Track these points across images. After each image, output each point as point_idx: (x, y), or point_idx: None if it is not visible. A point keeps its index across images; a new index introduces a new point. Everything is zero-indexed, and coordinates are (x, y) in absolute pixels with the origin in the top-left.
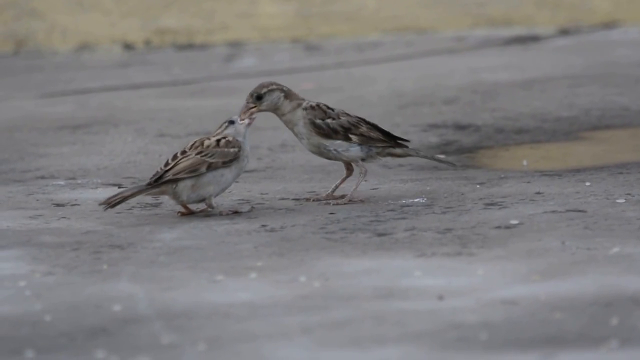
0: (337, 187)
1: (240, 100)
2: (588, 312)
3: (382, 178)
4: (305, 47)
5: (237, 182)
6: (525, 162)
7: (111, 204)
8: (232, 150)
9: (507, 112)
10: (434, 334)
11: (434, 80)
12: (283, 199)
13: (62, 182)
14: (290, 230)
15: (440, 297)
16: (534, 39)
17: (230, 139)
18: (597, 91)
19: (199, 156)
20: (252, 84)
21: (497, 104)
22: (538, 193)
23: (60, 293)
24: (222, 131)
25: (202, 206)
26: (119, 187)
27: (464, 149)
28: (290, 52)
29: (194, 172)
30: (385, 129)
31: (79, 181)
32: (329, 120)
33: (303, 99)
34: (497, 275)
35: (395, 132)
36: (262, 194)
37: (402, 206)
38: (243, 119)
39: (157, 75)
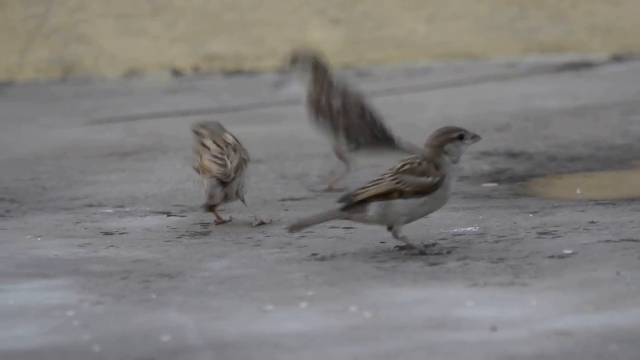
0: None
1: (289, 128)
2: None
3: None
4: (355, 73)
5: (286, 210)
6: (579, 191)
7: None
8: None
9: (560, 140)
10: None
11: (485, 107)
12: (334, 227)
13: (110, 211)
14: (341, 260)
15: (493, 328)
16: (586, 65)
17: None
18: None
19: (238, 155)
20: (301, 111)
21: (550, 131)
22: (592, 222)
23: (109, 323)
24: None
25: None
26: (168, 216)
27: (517, 177)
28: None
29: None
30: (378, 129)
31: (128, 209)
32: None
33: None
34: (551, 306)
35: None
36: None
37: (454, 235)
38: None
39: (206, 102)
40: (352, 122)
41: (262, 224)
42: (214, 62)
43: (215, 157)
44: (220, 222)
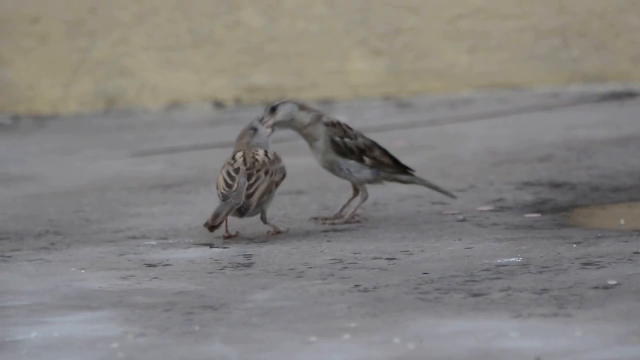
0: (344, 207)
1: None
2: None
3: (476, 237)
4: (397, 104)
5: (329, 241)
6: (622, 221)
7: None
8: (281, 165)
9: (603, 170)
10: None
11: (528, 137)
12: (376, 258)
13: (153, 242)
14: (384, 291)
15: (538, 359)
16: (629, 95)
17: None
18: None
19: (268, 177)
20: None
21: (593, 161)
22: (636, 252)
23: (152, 355)
24: (249, 140)
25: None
26: (211, 247)
27: (560, 207)
28: (381, 109)
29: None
30: (394, 156)
31: (171, 241)
32: (347, 140)
33: (320, 112)
34: (596, 337)
35: (489, 191)
36: (354, 253)
37: (497, 266)
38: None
39: None
40: (375, 155)
41: (278, 232)
42: (256, 94)
43: (229, 175)
44: (228, 237)
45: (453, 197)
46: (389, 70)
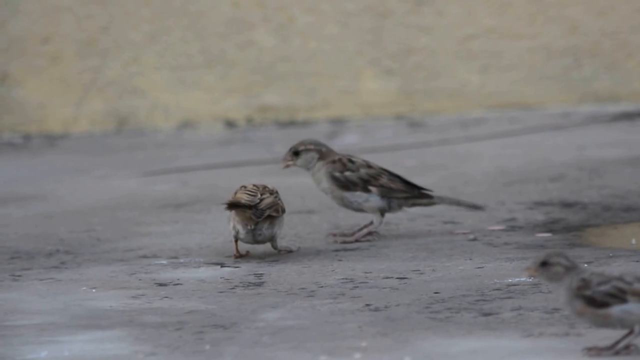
0: (358, 230)
1: None
2: None
3: (487, 257)
4: (409, 123)
5: (340, 260)
6: (634, 241)
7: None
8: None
9: (615, 190)
10: None
11: (539, 157)
12: (387, 277)
13: (164, 262)
14: (395, 310)
15: None
16: None
17: None
18: None
19: (272, 196)
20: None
21: (605, 181)
22: None
23: None
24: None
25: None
26: (222, 266)
27: (571, 227)
28: (393, 129)
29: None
30: (408, 180)
31: (182, 260)
32: (347, 173)
33: (336, 155)
34: (606, 356)
35: (500, 210)
36: (365, 272)
37: (508, 285)
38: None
39: (259, 153)
40: (382, 183)
41: (289, 251)
42: (267, 113)
43: (248, 190)
44: (239, 256)
45: (480, 208)
46: (401, 90)
